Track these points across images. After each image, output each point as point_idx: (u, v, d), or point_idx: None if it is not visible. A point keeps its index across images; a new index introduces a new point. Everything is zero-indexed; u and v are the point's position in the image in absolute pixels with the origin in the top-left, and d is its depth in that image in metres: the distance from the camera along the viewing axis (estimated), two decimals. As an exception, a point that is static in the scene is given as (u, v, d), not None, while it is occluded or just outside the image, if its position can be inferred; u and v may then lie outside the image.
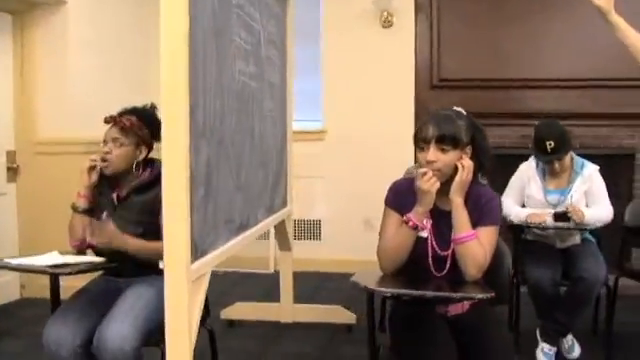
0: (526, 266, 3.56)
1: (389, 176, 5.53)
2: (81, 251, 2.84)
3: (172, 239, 2.09)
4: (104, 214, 2.72)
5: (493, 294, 2.13)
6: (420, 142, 2.36)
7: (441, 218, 2.38)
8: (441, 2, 5.66)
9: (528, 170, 3.80)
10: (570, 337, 3.72)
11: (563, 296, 3.58)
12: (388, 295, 2.16)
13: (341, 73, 5.86)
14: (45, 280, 4.76)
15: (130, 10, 5.72)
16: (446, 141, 2.30)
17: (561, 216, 3.56)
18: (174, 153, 2.07)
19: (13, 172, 4.86)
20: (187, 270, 2.11)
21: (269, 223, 3.48)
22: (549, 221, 3.56)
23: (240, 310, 4.23)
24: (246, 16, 2.93)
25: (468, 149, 2.37)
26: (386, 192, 2.52)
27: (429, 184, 2.27)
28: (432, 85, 5.70)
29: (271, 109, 3.55)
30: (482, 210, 2.38)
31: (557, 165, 3.63)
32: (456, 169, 2.33)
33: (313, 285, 5.19)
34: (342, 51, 5.85)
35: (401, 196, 2.42)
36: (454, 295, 2.27)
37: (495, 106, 5.55)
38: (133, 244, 2.62)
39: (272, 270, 5.84)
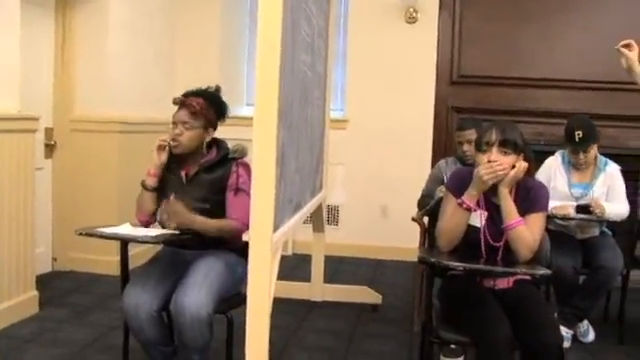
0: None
1: (406, 166, 5.88)
2: (146, 225, 3.01)
3: (260, 213, 2.28)
4: (172, 196, 2.83)
5: (550, 272, 2.40)
6: (483, 145, 2.62)
7: (495, 211, 2.65)
8: (464, 0, 5.87)
9: (554, 164, 4.03)
10: (586, 322, 3.98)
11: (582, 283, 3.85)
12: (460, 269, 2.42)
13: (365, 65, 6.07)
14: (75, 254, 5.03)
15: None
16: (508, 145, 2.58)
17: (583, 209, 3.81)
18: (265, 135, 2.27)
19: (50, 148, 5.02)
20: (270, 242, 2.32)
21: (313, 204, 3.69)
22: (572, 213, 3.80)
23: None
24: (309, 11, 3.13)
25: (521, 156, 2.63)
26: (447, 178, 2.76)
27: (488, 177, 2.55)
28: (452, 81, 5.91)
29: (318, 97, 3.76)
30: (531, 200, 2.66)
31: (582, 156, 3.86)
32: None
33: (331, 268, 5.38)
34: (367, 44, 6.06)
35: (461, 182, 2.67)
36: (518, 270, 2.55)
37: (511, 103, 5.78)
38: (199, 222, 2.79)
39: (290, 252, 6.04)
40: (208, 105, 2.96)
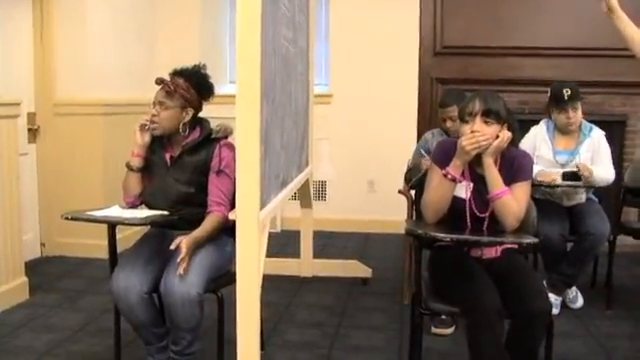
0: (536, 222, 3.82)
1: (392, 139, 5.87)
2: (134, 206, 2.99)
3: (246, 190, 2.28)
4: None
5: (537, 240, 2.41)
6: (466, 116, 2.61)
7: (481, 182, 2.65)
8: (446, -29, 5.83)
9: (539, 132, 4.03)
10: (574, 289, 4.02)
11: (570, 250, 3.87)
12: (447, 240, 2.43)
13: (348, 39, 6.05)
14: (63, 239, 5.01)
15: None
16: (491, 115, 2.57)
17: (569, 175, 3.81)
18: (248, 112, 2.25)
19: (33, 133, 4.97)
20: (258, 219, 2.31)
21: (300, 180, 3.68)
22: (558, 179, 3.80)
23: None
24: (289, -15, 3.10)
25: (505, 126, 2.62)
26: (433, 149, 2.76)
27: (471, 147, 2.54)
28: (435, 52, 5.86)
29: (301, 72, 3.74)
30: (515, 169, 2.66)
31: (572, 114, 3.87)
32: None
33: (320, 243, 5.38)
34: (349, 17, 6.03)
35: (446, 153, 2.66)
36: (505, 239, 2.56)
37: (495, 73, 5.75)
38: (198, 236, 2.71)
39: (279, 229, 6.05)
40: (188, 84, 2.91)
